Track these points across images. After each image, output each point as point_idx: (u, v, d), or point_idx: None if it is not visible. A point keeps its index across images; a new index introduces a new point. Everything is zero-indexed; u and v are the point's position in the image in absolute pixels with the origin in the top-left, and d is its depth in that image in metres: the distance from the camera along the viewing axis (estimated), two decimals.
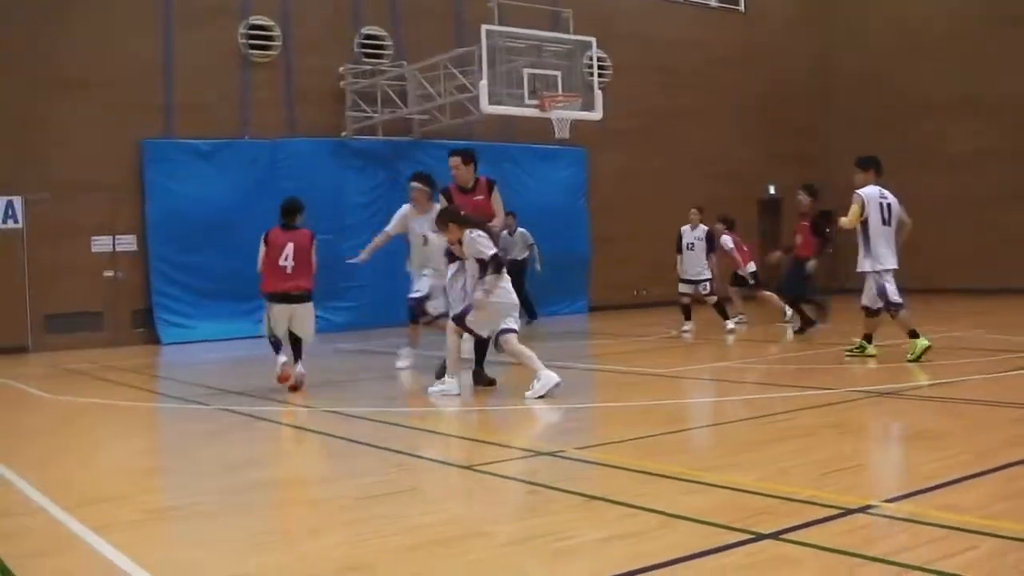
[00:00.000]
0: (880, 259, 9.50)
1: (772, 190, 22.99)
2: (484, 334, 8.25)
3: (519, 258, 16.26)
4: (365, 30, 17.86)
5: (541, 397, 7.71)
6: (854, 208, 9.57)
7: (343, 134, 17.41)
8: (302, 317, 8.95)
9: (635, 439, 6.05)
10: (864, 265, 9.57)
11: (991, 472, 4.71)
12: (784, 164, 23.14)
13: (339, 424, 7.40)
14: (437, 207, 9.15)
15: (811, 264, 12.66)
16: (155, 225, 15.76)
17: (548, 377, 7.81)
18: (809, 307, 12.83)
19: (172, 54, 16.03)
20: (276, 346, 9.03)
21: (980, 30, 20.92)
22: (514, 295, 8.20)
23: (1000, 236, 20.43)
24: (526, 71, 14.81)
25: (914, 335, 9.37)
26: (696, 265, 13.81)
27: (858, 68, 23.39)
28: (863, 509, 4.10)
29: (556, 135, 15.19)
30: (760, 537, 3.75)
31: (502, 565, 3.60)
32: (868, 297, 9.73)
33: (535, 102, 14.71)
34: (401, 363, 10.43)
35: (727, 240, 14.24)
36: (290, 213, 8.98)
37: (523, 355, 8.02)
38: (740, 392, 7.93)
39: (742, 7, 23.20)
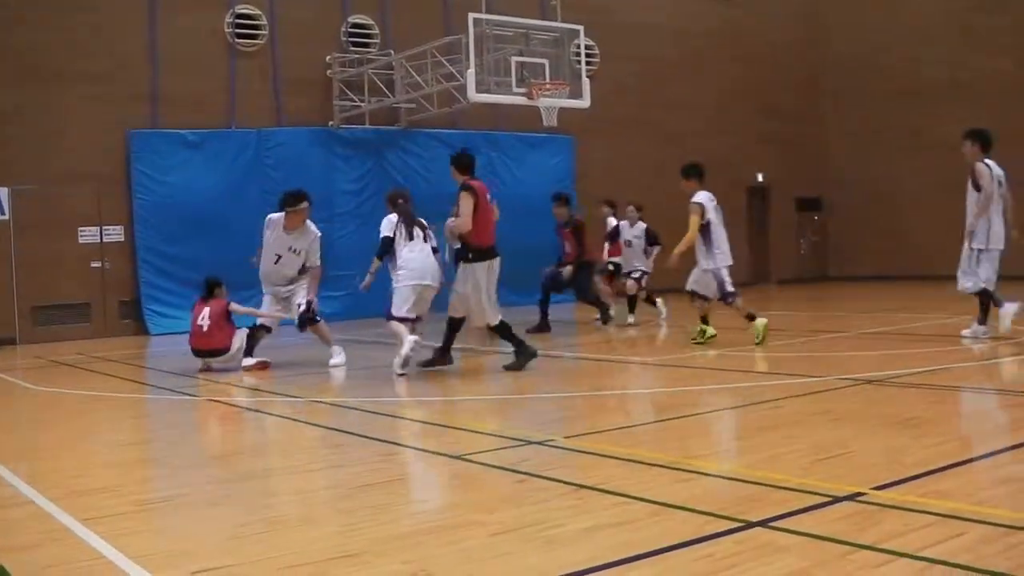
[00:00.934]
0: (723, 257, 10.34)
1: (760, 177, 23.02)
2: (409, 313, 8.93)
3: None
4: (352, 19, 17.80)
5: (406, 359, 8.61)
6: (694, 219, 10.26)
7: (331, 123, 17.37)
8: (219, 361, 10.11)
9: (624, 427, 6.06)
10: (707, 264, 10.32)
11: (979, 459, 4.74)
12: (773, 151, 23.17)
13: (328, 414, 7.41)
14: (311, 226, 10.17)
15: (567, 270, 13.24)
16: (142, 215, 15.72)
17: (408, 342, 8.61)
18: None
19: (158, 44, 15.95)
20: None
21: (970, 15, 20.95)
22: (417, 273, 8.92)
23: None
24: (514, 59, 14.80)
25: (752, 318, 10.18)
26: (634, 260, 13.88)
27: (847, 53, 23.41)
28: (852, 496, 4.11)
29: (544, 123, 15.18)
30: (749, 525, 3.76)
31: (493, 553, 3.60)
32: (706, 288, 10.39)
33: (523, 90, 14.70)
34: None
35: (612, 221, 14.19)
36: (208, 287, 10.23)
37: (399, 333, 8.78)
38: (727, 380, 7.95)
39: None
